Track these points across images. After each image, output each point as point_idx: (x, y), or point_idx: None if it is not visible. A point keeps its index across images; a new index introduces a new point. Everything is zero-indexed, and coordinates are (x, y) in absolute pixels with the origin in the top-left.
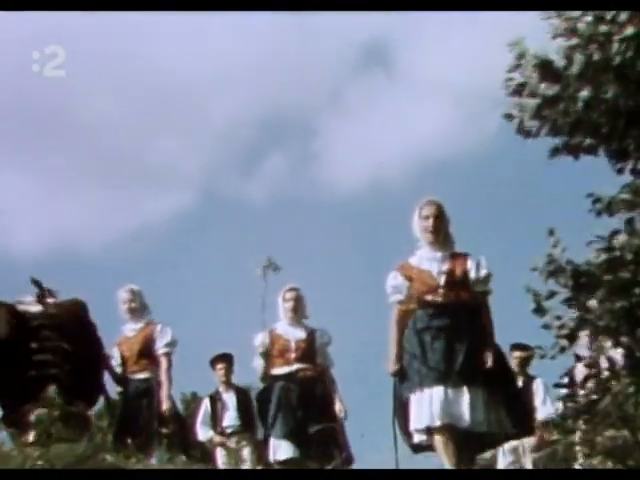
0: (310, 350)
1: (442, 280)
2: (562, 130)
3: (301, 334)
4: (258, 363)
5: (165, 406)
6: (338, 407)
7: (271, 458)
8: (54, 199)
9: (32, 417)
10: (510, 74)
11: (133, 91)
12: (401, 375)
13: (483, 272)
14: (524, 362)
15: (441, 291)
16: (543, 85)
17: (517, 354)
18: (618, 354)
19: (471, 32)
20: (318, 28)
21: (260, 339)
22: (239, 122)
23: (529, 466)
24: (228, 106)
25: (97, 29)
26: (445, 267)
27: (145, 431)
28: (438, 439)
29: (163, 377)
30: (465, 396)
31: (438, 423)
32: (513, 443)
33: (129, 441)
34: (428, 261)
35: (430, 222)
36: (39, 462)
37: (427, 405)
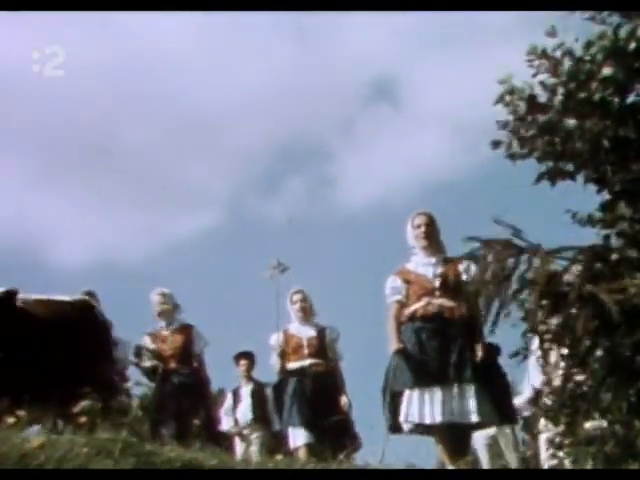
0: (321, 346)
1: (437, 283)
2: (548, 157)
3: (312, 332)
4: (275, 360)
5: (206, 399)
6: (344, 400)
7: (291, 445)
8: (99, 217)
9: (77, 408)
10: (498, 105)
11: (168, 121)
12: (402, 355)
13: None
14: None
15: (437, 293)
16: (530, 117)
17: None
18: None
19: (467, 70)
20: (333, 64)
21: (275, 339)
22: (262, 149)
23: (514, 463)
24: (252, 134)
25: (134, 64)
26: (439, 271)
27: (184, 421)
28: (436, 435)
29: (203, 374)
30: (457, 391)
31: (438, 421)
32: (497, 439)
33: (164, 431)
34: (423, 266)
35: (422, 230)
36: (84, 449)
37: (428, 404)
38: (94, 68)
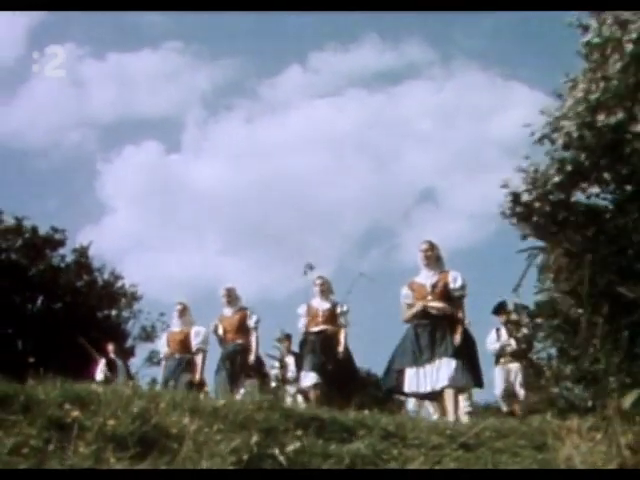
0: (332, 316)
1: (429, 289)
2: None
3: (327, 305)
4: (301, 324)
5: (252, 358)
6: (343, 349)
7: (303, 385)
8: (259, 270)
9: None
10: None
11: (304, 212)
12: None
13: (458, 283)
14: None
15: (429, 297)
16: (517, 208)
17: None
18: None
19: (479, 181)
20: (396, 178)
21: (301, 308)
22: (355, 229)
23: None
24: (350, 220)
25: (283, 180)
26: (433, 281)
27: (238, 374)
28: (431, 398)
29: (253, 342)
30: (440, 365)
31: (429, 389)
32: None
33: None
34: (424, 278)
35: (423, 253)
36: (250, 406)
37: (422, 377)
38: (259, 182)
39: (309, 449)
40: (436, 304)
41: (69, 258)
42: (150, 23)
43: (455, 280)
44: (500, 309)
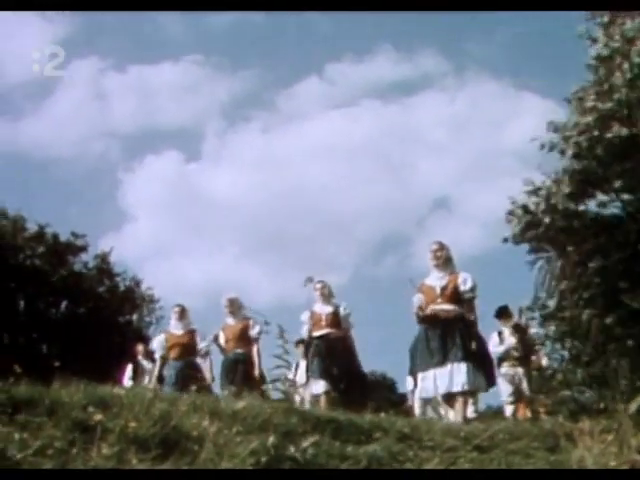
0: (336, 319)
1: (439, 292)
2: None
3: (330, 309)
4: (304, 329)
5: (256, 372)
6: (349, 352)
7: (313, 392)
8: (278, 277)
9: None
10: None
11: (318, 221)
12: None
13: (468, 285)
14: None
15: (439, 300)
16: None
17: None
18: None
19: (491, 190)
20: (411, 188)
21: (305, 315)
22: (370, 236)
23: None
24: (365, 228)
25: (298, 191)
26: (443, 283)
27: (239, 384)
28: (440, 403)
29: (254, 353)
30: (452, 369)
31: (442, 392)
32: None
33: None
34: (434, 280)
35: (433, 254)
36: (269, 410)
37: (434, 380)
38: (277, 191)
39: (326, 451)
40: (442, 307)
41: (91, 264)
42: (171, 37)
43: (465, 282)
44: (502, 313)
